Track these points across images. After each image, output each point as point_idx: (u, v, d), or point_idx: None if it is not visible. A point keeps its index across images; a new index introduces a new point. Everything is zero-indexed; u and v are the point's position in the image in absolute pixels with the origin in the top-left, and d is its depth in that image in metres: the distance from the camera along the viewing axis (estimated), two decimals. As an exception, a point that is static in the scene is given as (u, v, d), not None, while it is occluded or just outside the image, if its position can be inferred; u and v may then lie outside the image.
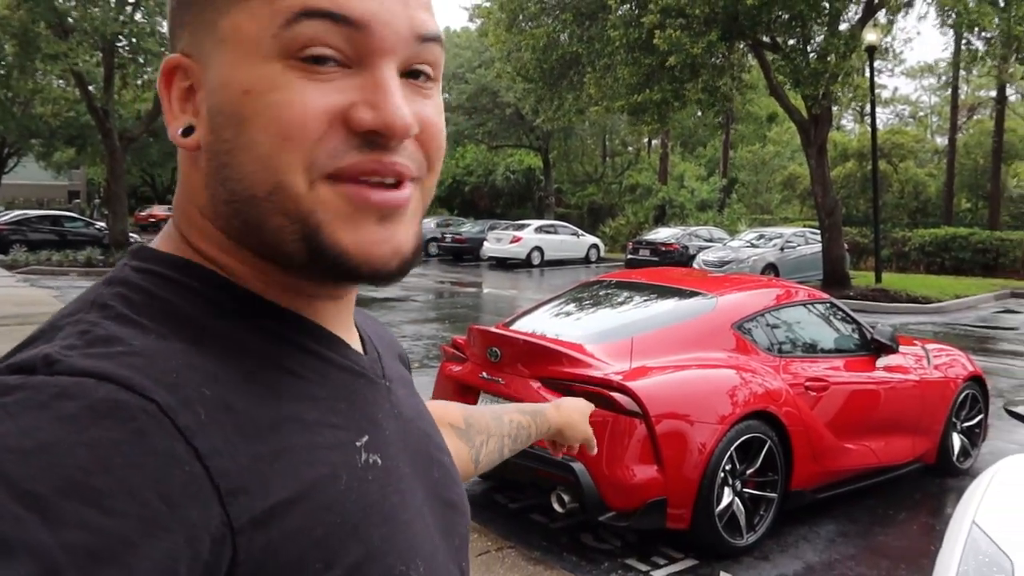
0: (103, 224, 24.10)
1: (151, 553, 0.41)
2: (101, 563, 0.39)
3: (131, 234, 21.94)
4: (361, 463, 0.55)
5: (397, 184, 0.55)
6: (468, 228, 26.78)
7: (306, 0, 0.51)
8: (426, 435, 0.69)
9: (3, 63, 21.10)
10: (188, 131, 0.56)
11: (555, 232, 24.85)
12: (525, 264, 23.39)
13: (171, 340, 0.51)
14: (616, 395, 3.83)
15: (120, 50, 19.19)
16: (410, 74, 0.56)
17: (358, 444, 0.56)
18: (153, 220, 40.62)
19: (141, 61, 19.44)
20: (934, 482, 5.37)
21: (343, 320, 0.63)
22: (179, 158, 0.59)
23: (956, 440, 5.48)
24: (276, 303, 0.58)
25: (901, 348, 5.17)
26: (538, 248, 23.60)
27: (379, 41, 0.53)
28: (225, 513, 0.45)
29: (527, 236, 23.55)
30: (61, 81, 24.58)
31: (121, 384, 0.45)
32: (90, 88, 19.13)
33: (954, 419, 5.43)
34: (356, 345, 0.64)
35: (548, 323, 4.81)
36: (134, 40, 18.43)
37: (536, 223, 25.14)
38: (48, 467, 0.41)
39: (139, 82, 20.17)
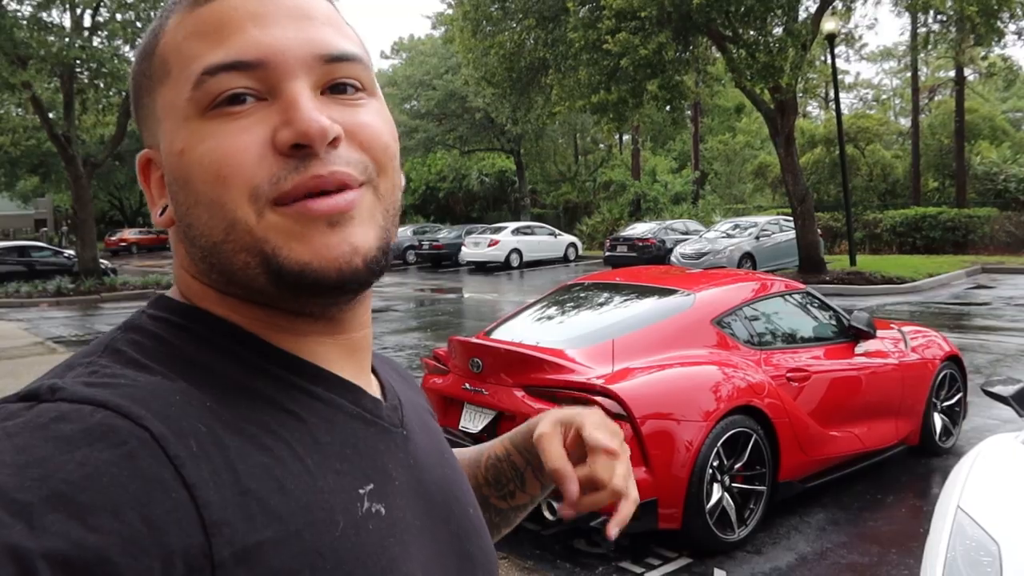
0: (72, 252, 23.76)
1: (125, 572, 0.42)
2: (75, 574, 0.41)
3: (101, 260, 21.64)
4: (362, 511, 0.55)
5: (340, 190, 0.56)
6: (445, 234, 26.74)
7: (204, 62, 0.55)
8: (446, 486, 0.68)
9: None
10: (164, 211, 0.60)
11: (532, 233, 24.87)
12: (504, 267, 23.38)
13: (176, 381, 0.53)
14: (599, 399, 3.83)
15: (79, 75, 18.93)
16: (334, 89, 0.58)
17: (361, 492, 0.56)
18: (124, 244, 40.21)
19: (101, 85, 19.18)
20: (919, 463, 5.42)
21: (355, 365, 0.64)
22: (169, 237, 0.64)
23: (938, 420, 5.55)
24: (281, 348, 0.59)
25: (878, 332, 5.23)
26: (516, 250, 23.61)
27: (281, 71, 0.56)
28: (207, 544, 0.46)
29: (505, 239, 23.55)
30: (20, 109, 24.27)
31: (117, 411, 0.47)
32: (50, 115, 18.87)
33: (934, 399, 5.50)
34: (373, 391, 0.65)
35: (528, 330, 4.80)
36: (93, 65, 18.17)
37: (513, 225, 25.16)
38: (38, 480, 0.43)
39: (100, 106, 19.88)
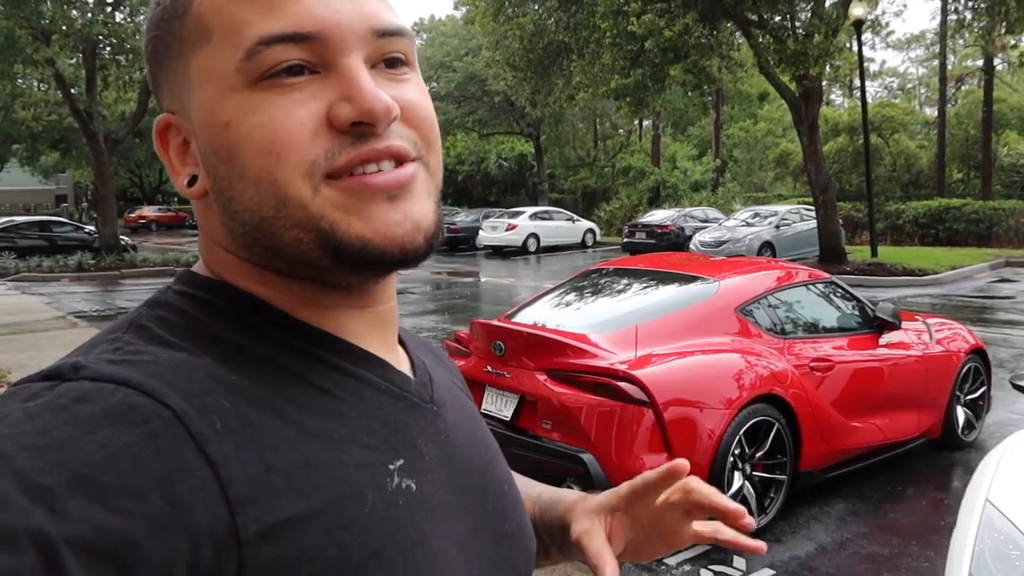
0: (92, 228, 23.97)
1: (150, 554, 0.42)
2: (99, 558, 0.40)
3: (121, 236, 21.80)
4: (392, 487, 0.54)
5: (398, 164, 0.55)
6: (463, 217, 26.70)
7: (258, 30, 0.53)
8: (481, 463, 0.67)
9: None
10: (192, 181, 0.58)
11: (550, 218, 24.82)
12: (522, 251, 23.35)
13: (201, 357, 0.52)
14: (623, 384, 3.82)
15: (101, 51, 18.99)
16: (383, 64, 0.57)
17: (391, 467, 0.55)
18: (143, 221, 40.49)
19: (123, 62, 19.24)
20: (941, 456, 5.38)
21: (383, 339, 0.63)
22: (194, 208, 0.61)
23: (960, 413, 5.50)
24: (309, 323, 0.58)
25: (903, 324, 5.18)
26: (534, 235, 23.56)
27: (337, 43, 0.54)
28: (233, 523, 0.46)
29: (522, 223, 23.51)
30: (42, 84, 24.40)
31: (139, 389, 0.47)
32: (72, 90, 18.96)
33: (958, 392, 5.44)
34: (402, 367, 0.63)
35: (550, 314, 4.79)
36: (115, 41, 18.23)
37: (531, 210, 25.09)
38: (59, 463, 0.42)
39: (121, 83, 19.96)
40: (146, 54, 0.60)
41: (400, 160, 0.55)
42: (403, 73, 0.58)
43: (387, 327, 0.63)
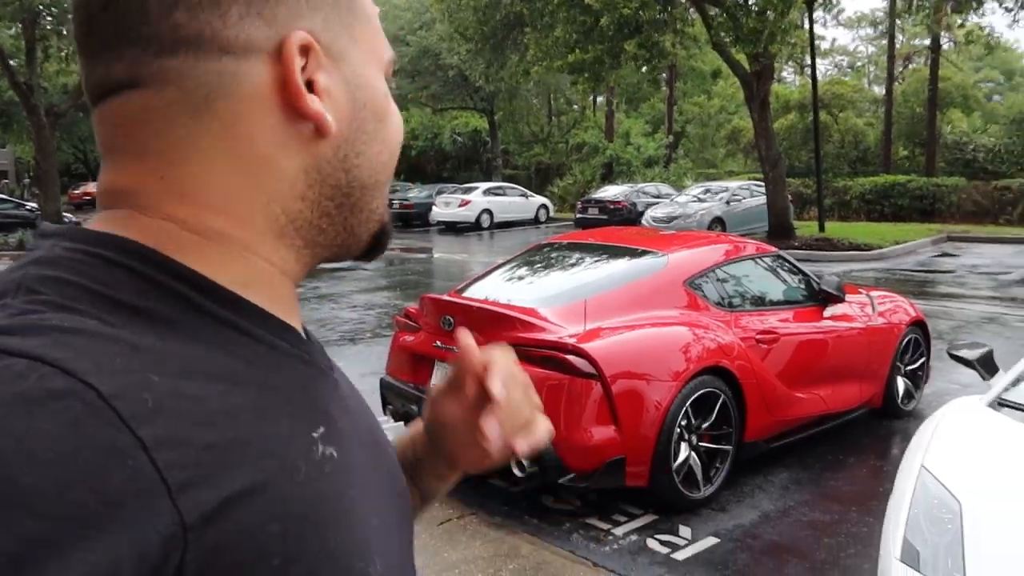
0: (34, 205, 23.20)
1: (86, 558, 0.38)
2: (25, 571, 0.36)
3: (65, 214, 21.17)
4: (319, 456, 0.52)
5: None
6: (416, 193, 26.46)
7: (391, 56, 0.63)
8: (373, 429, 0.66)
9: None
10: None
11: (504, 194, 24.73)
12: (475, 227, 23.27)
13: (117, 328, 0.46)
14: (571, 357, 3.83)
15: (42, 21, 18.29)
16: None
17: (314, 435, 0.52)
18: (88, 198, 39.23)
19: (65, 32, 18.57)
20: (881, 425, 5.53)
21: (292, 306, 0.59)
22: (259, 148, 0.53)
23: (901, 383, 5.65)
24: (231, 290, 0.53)
25: (847, 297, 5.28)
26: (487, 211, 23.48)
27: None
28: (176, 509, 0.42)
29: (476, 199, 23.40)
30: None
31: (55, 367, 0.41)
32: (11, 62, 18.26)
33: (898, 363, 5.59)
34: (301, 332, 0.60)
35: (501, 288, 4.78)
36: (56, 10, 17.57)
37: (484, 185, 24.97)
38: None
39: (64, 55, 19.28)
40: None
41: None
42: None
43: (296, 296, 0.61)
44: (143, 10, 0.50)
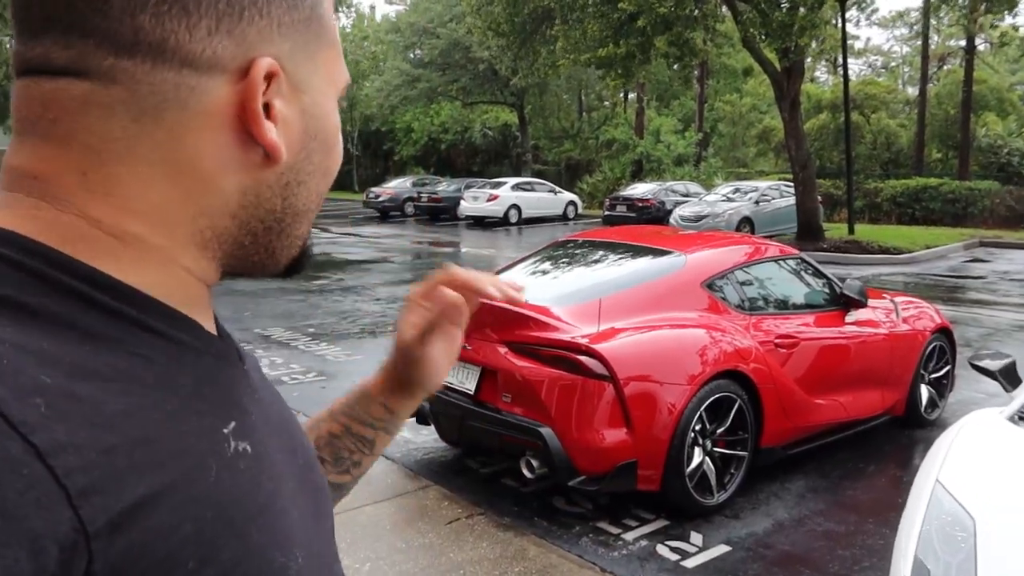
0: None
1: None
2: None
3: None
4: (231, 451, 0.50)
5: None
6: (444, 187, 26.50)
7: (347, 81, 0.62)
8: (285, 419, 0.65)
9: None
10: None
11: (532, 189, 24.67)
12: (503, 223, 23.22)
13: (3, 328, 0.43)
14: (583, 358, 3.79)
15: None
16: None
17: (225, 431, 0.51)
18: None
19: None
20: (903, 434, 5.42)
21: (204, 305, 0.58)
22: (195, 158, 0.52)
23: (924, 392, 5.53)
24: (134, 287, 0.50)
25: (870, 302, 5.18)
26: (515, 206, 23.42)
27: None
28: (77, 517, 0.40)
29: (504, 194, 23.35)
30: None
31: None
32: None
33: (922, 371, 5.47)
34: (211, 328, 0.58)
35: (524, 282, 4.74)
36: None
37: (513, 181, 24.92)
38: None
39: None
40: None
41: None
42: None
43: (209, 296, 0.59)
44: (103, 4, 0.48)
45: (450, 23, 32.49)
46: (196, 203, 0.53)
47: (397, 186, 27.02)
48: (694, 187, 24.06)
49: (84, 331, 0.46)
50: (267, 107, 0.53)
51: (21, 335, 0.43)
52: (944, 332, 5.69)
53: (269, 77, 0.53)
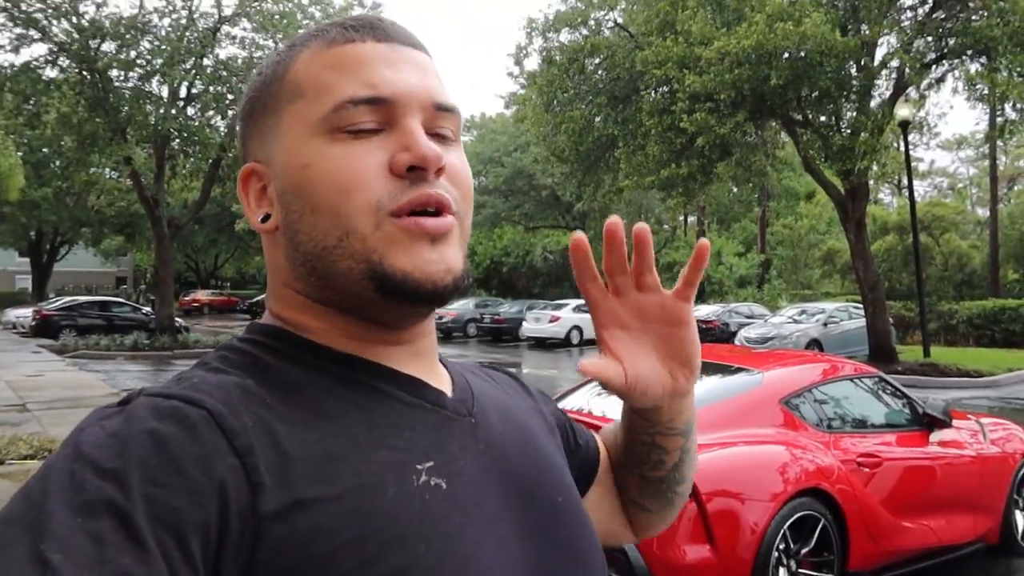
0: (149, 309, 24.70)
1: (193, 517, 0.52)
2: (157, 523, 0.50)
3: (176, 319, 22.38)
4: (419, 483, 0.61)
5: (440, 213, 0.65)
6: (506, 308, 26.81)
7: (346, 92, 0.65)
8: (530, 473, 0.72)
9: (63, 157, 22.12)
10: (265, 219, 0.69)
11: (593, 310, 24.74)
12: (564, 343, 23.27)
13: (245, 380, 0.62)
14: (664, 472, 3.78)
15: (172, 143, 19.98)
16: (434, 135, 0.67)
17: (419, 467, 0.62)
18: (196, 304, 41.52)
19: (191, 152, 20.20)
20: (999, 563, 5.14)
21: (420, 365, 0.71)
22: (264, 247, 0.72)
23: (1020, 518, 5.28)
24: (348, 352, 0.68)
25: (955, 422, 5.05)
26: (577, 327, 23.48)
27: (403, 108, 0.65)
28: (253, 500, 0.55)
29: (566, 315, 23.49)
30: (114, 172, 25.67)
31: (182, 399, 0.57)
32: (141, 179, 19.92)
33: (1016, 496, 5.24)
34: (442, 386, 0.72)
35: (594, 401, 4.80)
36: (185, 134, 19.20)
37: (574, 302, 25.09)
38: (121, 452, 0.53)
39: (187, 172, 20.93)
40: (242, 113, 0.73)
41: (443, 209, 0.65)
42: (450, 144, 0.69)
43: (424, 356, 0.73)
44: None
45: (515, 152, 33.86)
46: (282, 283, 0.72)
47: (460, 307, 27.48)
48: (758, 309, 23.91)
49: (305, 384, 0.65)
50: (264, 190, 0.69)
51: (250, 386, 0.62)
52: (1036, 455, 5.47)
53: (248, 175, 0.70)
